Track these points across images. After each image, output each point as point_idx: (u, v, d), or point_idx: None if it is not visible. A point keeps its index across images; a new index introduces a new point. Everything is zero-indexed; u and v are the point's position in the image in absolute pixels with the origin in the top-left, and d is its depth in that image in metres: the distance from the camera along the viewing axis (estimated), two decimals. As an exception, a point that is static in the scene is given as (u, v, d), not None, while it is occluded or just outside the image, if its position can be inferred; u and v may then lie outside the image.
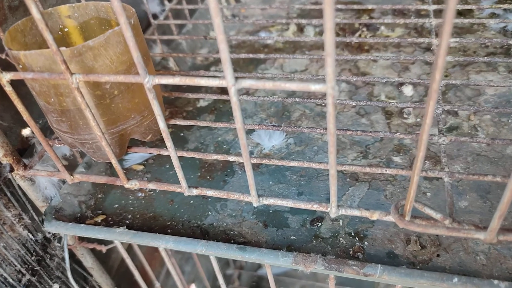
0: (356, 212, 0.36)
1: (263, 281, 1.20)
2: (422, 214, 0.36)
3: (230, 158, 0.43)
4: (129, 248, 0.74)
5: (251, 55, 0.56)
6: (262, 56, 0.55)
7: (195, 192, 0.40)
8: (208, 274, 0.98)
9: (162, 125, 0.34)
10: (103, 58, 0.36)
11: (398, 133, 0.42)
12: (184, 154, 0.44)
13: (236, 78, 0.30)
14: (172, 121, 0.48)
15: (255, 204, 0.38)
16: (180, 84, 0.31)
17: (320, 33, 0.78)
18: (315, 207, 0.37)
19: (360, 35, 0.75)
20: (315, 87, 0.28)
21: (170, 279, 0.92)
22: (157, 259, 0.87)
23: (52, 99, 0.38)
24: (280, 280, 1.14)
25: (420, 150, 0.29)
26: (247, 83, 0.30)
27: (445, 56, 0.23)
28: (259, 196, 0.38)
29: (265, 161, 0.42)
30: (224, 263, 1.16)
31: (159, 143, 0.59)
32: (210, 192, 0.40)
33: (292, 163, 0.41)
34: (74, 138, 0.41)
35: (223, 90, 0.68)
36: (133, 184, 0.42)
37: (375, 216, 0.35)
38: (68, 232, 0.46)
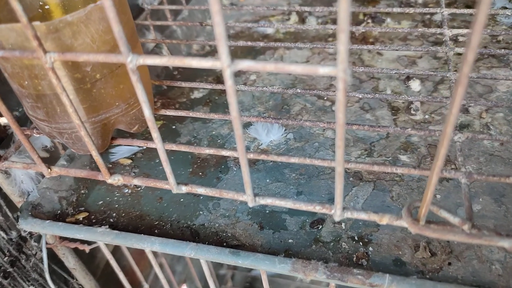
0: (363, 216, 0.32)
1: (257, 281, 1.16)
2: (433, 217, 0.33)
3: (224, 152, 0.39)
4: (116, 247, 0.70)
5: (249, 43, 0.52)
6: (261, 44, 0.51)
7: (184, 189, 0.36)
8: (200, 274, 0.94)
9: (147, 112, 0.30)
10: (83, 36, 0.32)
11: (409, 129, 0.39)
12: (174, 147, 0.40)
13: (233, 59, 0.26)
14: (162, 111, 0.44)
15: (250, 204, 0.34)
16: (169, 65, 0.27)
17: (323, 23, 0.74)
18: (317, 208, 0.33)
19: (364, 27, 0.71)
20: (323, 71, 0.24)
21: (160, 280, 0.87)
22: (146, 258, 0.82)
23: (26, 82, 0.34)
24: (274, 281, 1.11)
25: (442, 146, 0.25)
26: (244, 65, 0.26)
27: (482, 29, 0.19)
28: (255, 195, 0.34)
29: (262, 157, 0.38)
30: (217, 263, 1.12)
31: (149, 135, 0.55)
32: (201, 190, 0.36)
33: (293, 160, 0.37)
34: (51, 127, 0.37)
35: (219, 80, 0.64)
36: (116, 180, 0.38)
37: (384, 220, 0.32)
38: (45, 230, 0.41)
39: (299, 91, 0.45)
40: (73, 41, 0.32)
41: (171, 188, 0.36)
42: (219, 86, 0.47)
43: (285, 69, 0.25)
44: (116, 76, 0.36)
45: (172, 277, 0.81)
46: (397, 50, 0.49)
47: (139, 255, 0.78)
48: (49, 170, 0.39)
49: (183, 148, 0.40)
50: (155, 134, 0.32)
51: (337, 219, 0.32)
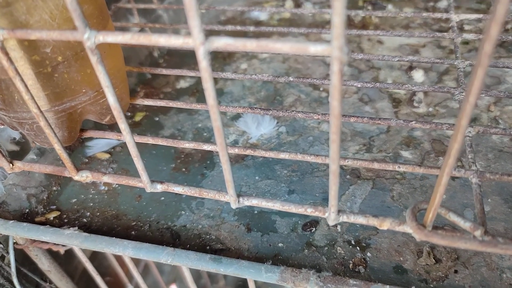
0: (361, 220, 0.28)
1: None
2: (438, 219, 0.29)
3: (206, 147, 0.35)
4: (98, 247, 0.66)
5: (238, 27, 0.47)
6: (252, 29, 0.47)
7: (159, 188, 0.32)
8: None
9: (111, 99, 0.26)
10: (40, 12, 0.28)
11: (413, 122, 0.34)
12: (150, 140, 0.35)
13: (207, 36, 0.21)
14: (139, 101, 0.40)
15: (233, 206, 0.30)
16: (133, 43, 0.23)
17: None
18: (309, 211, 0.29)
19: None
20: (315, 49, 0.20)
21: (147, 280, 0.84)
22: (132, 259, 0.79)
23: (-23, 65, 0.29)
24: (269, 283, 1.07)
25: (455, 141, 0.21)
26: (221, 42, 0.21)
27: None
28: (239, 195, 0.30)
29: (248, 152, 0.34)
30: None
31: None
32: (178, 189, 0.32)
33: (283, 155, 0.33)
34: (10, 116, 0.33)
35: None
36: (84, 176, 0.33)
37: (385, 225, 0.28)
38: (8, 231, 0.37)
39: (292, 79, 0.41)
40: (28, 17, 0.28)
41: (144, 187, 0.32)
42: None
43: (270, 47, 0.21)
44: (82, 60, 0.31)
45: (160, 277, 0.77)
46: (399, 36, 0.44)
47: (123, 254, 0.74)
48: (11, 165, 0.35)
49: (160, 142, 0.35)
50: (123, 125, 0.28)
51: (331, 223, 0.28)
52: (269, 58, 0.61)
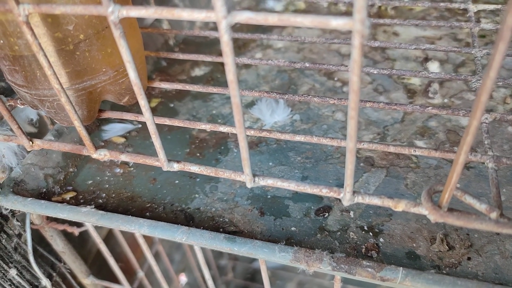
0: (376, 201, 0.28)
1: (258, 274, 1.13)
2: (453, 205, 0.29)
3: (222, 128, 0.35)
4: (110, 232, 0.67)
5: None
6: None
7: (176, 167, 0.32)
8: (199, 264, 0.91)
9: (132, 75, 0.26)
10: (64, -11, 0.28)
11: (429, 107, 0.34)
12: (167, 121, 0.36)
13: (230, 10, 0.22)
14: (156, 84, 0.40)
15: (249, 185, 0.30)
16: (156, 16, 0.23)
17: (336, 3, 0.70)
18: (324, 192, 0.29)
19: (380, 7, 0.67)
20: (337, 22, 0.20)
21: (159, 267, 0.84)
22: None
23: (1, 41, 0.30)
24: (277, 274, 1.07)
25: (474, 118, 0.21)
26: (243, 16, 0.22)
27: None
28: (254, 175, 0.30)
29: (264, 134, 0.34)
30: (218, 253, 1.09)
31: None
32: (194, 168, 0.32)
33: (298, 138, 0.33)
34: (31, 94, 0.33)
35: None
36: (102, 155, 0.34)
37: (400, 206, 0.28)
38: (26, 208, 0.38)
39: (308, 65, 0.41)
40: (52, -6, 0.28)
41: (161, 165, 0.32)
42: (219, 59, 0.43)
43: (291, 20, 0.21)
44: (103, 38, 0.32)
45: (170, 265, 0.78)
46: (416, 25, 0.44)
47: (135, 241, 0.75)
48: (31, 143, 0.36)
49: (177, 123, 0.36)
50: (142, 101, 0.28)
51: (346, 203, 0.28)
52: (283, 48, 0.61)
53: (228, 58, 0.23)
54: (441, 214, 0.26)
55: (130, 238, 0.75)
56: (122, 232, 0.63)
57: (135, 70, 0.26)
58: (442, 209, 0.26)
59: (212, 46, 0.65)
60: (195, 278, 0.92)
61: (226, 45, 0.22)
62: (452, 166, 0.24)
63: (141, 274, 0.67)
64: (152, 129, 0.30)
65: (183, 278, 0.93)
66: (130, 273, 0.70)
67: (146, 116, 0.29)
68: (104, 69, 0.33)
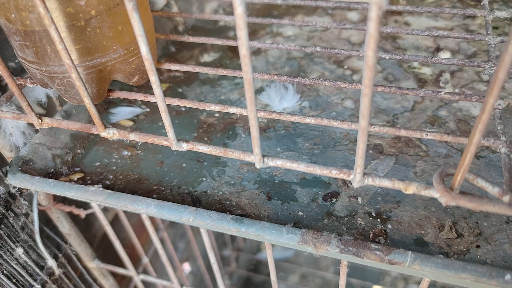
0: (386, 183, 0.28)
1: (261, 265, 1.13)
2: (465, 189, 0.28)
3: (231, 109, 0.35)
4: (115, 218, 0.67)
5: (266, 0, 0.47)
6: (279, 1, 0.47)
7: (185, 146, 0.32)
8: (203, 253, 0.91)
9: (143, 49, 0.26)
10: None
11: (442, 92, 0.34)
12: (176, 102, 0.36)
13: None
14: (166, 65, 0.40)
15: (258, 165, 0.30)
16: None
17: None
18: (334, 173, 0.29)
19: (391, -3, 0.66)
20: (353, -7, 0.20)
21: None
22: (147, 232, 0.80)
23: (13, 15, 0.30)
24: (280, 266, 1.07)
25: (491, 94, 0.21)
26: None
27: None
28: (264, 156, 0.30)
29: (274, 116, 0.34)
30: (221, 243, 1.09)
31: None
32: (203, 148, 0.32)
33: (308, 120, 0.33)
34: (42, 70, 0.33)
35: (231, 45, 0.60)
36: (111, 133, 0.34)
37: (411, 189, 0.27)
38: (34, 187, 0.38)
39: (319, 49, 0.40)
40: (65, -33, 0.28)
41: (170, 145, 0.32)
42: (229, 42, 0.43)
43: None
44: (114, 15, 0.32)
45: (174, 253, 0.78)
46: (429, 12, 0.44)
47: (141, 226, 0.75)
48: (40, 121, 0.36)
49: (186, 104, 0.36)
50: (153, 77, 0.28)
51: (356, 185, 0.28)
52: (293, 36, 0.61)
53: (242, 31, 0.22)
54: (453, 196, 0.25)
55: (135, 224, 0.75)
56: (128, 218, 0.63)
57: (146, 44, 0.26)
58: (454, 191, 0.26)
59: (221, 33, 0.64)
60: (199, 267, 0.92)
61: (240, 18, 0.22)
62: (466, 147, 0.24)
63: (145, 260, 0.68)
64: (162, 107, 0.30)
65: (186, 267, 0.93)
66: (134, 259, 0.70)
67: (157, 92, 0.29)
68: (114, 47, 0.33)
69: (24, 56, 0.33)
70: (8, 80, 0.33)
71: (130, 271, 0.55)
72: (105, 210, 0.63)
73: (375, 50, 0.21)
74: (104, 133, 0.34)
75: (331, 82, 0.36)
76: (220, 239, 1.08)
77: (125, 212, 0.64)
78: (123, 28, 0.33)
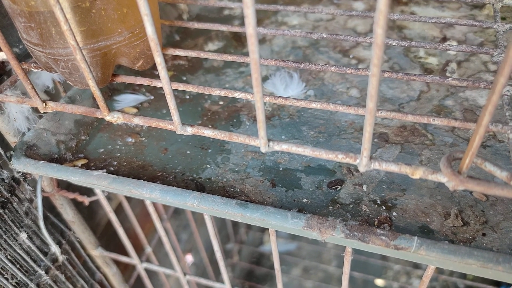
0: (393, 168, 0.27)
1: (264, 258, 1.13)
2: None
3: (237, 94, 0.35)
4: (119, 207, 0.67)
5: (271, -13, 0.47)
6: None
7: (189, 130, 0.32)
8: (206, 244, 0.92)
9: (149, 30, 0.26)
10: None
11: (449, 79, 0.34)
12: (181, 86, 0.36)
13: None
14: (170, 51, 0.40)
15: (263, 150, 0.30)
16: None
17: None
18: (340, 157, 0.28)
19: (397, -13, 0.65)
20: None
21: (164, 248, 0.85)
22: (151, 222, 0.80)
23: (18, -4, 0.30)
24: (282, 259, 1.07)
25: (501, 74, 0.20)
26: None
27: None
28: (269, 140, 0.30)
29: (279, 101, 0.34)
30: (224, 236, 1.09)
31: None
32: (208, 132, 0.32)
33: (314, 105, 0.33)
34: (46, 53, 0.33)
35: (236, 34, 0.60)
36: (116, 117, 0.34)
37: (418, 173, 0.27)
38: (38, 171, 0.38)
39: (325, 35, 0.40)
40: None
41: (175, 129, 0.32)
42: (234, 28, 0.42)
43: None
44: (119, -3, 0.31)
45: (177, 244, 0.78)
46: (436, 1, 0.43)
47: (144, 217, 0.75)
48: (44, 104, 0.36)
49: (191, 88, 0.35)
50: (159, 58, 0.28)
51: (362, 169, 0.28)
52: (298, 25, 0.60)
53: (249, 10, 0.22)
54: (461, 179, 0.25)
55: (138, 215, 0.75)
56: (133, 209, 0.63)
57: (152, 24, 0.26)
58: (462, 175, 0.25)
59: (226, 21, 0.64)
60: (201, 259, 0.92)
61: (247, -5, 0.22)
62: (475, 129, 0.24)
63: (148, 249, 0.68)
64: (167, 89, 0.29)
65: (189, 258, 0.94)
66: (137, 250, 0.70)
67: (162, 74, 0.28)
68: (119, 30, 0.33)
69: (29, 39, 0.33)
70: (12, 62, 0.33)
71: (133, 259, 0.55)
72: (108, 199, 0.63)
73: (385, 28, 0.21)
74: (109, 117, 0.34)
75: (338, 68, 0.36)
76: (223, 232, 1.08)
77: (128, 201, 0.64)
78: (128, 10, 0.33)
